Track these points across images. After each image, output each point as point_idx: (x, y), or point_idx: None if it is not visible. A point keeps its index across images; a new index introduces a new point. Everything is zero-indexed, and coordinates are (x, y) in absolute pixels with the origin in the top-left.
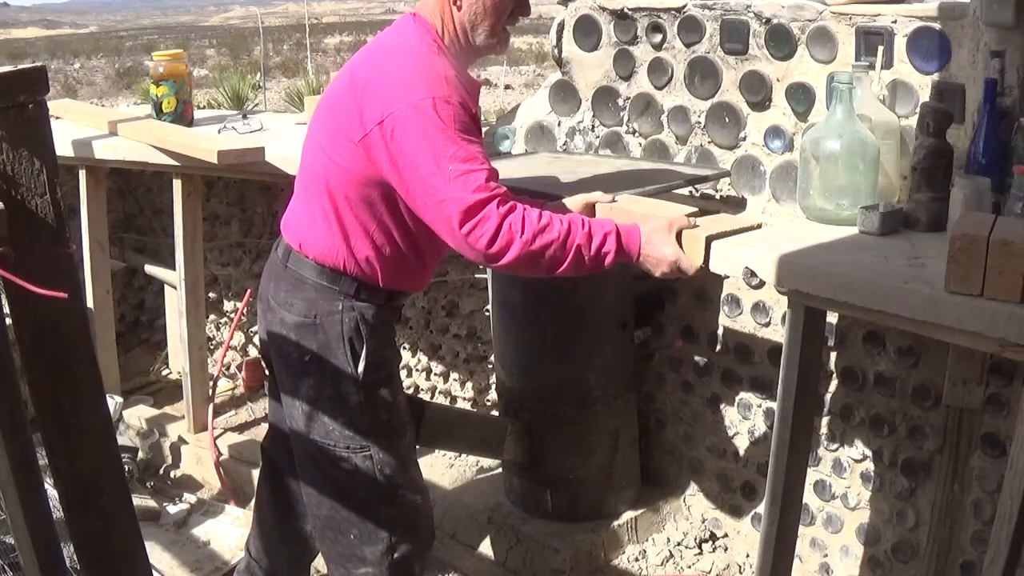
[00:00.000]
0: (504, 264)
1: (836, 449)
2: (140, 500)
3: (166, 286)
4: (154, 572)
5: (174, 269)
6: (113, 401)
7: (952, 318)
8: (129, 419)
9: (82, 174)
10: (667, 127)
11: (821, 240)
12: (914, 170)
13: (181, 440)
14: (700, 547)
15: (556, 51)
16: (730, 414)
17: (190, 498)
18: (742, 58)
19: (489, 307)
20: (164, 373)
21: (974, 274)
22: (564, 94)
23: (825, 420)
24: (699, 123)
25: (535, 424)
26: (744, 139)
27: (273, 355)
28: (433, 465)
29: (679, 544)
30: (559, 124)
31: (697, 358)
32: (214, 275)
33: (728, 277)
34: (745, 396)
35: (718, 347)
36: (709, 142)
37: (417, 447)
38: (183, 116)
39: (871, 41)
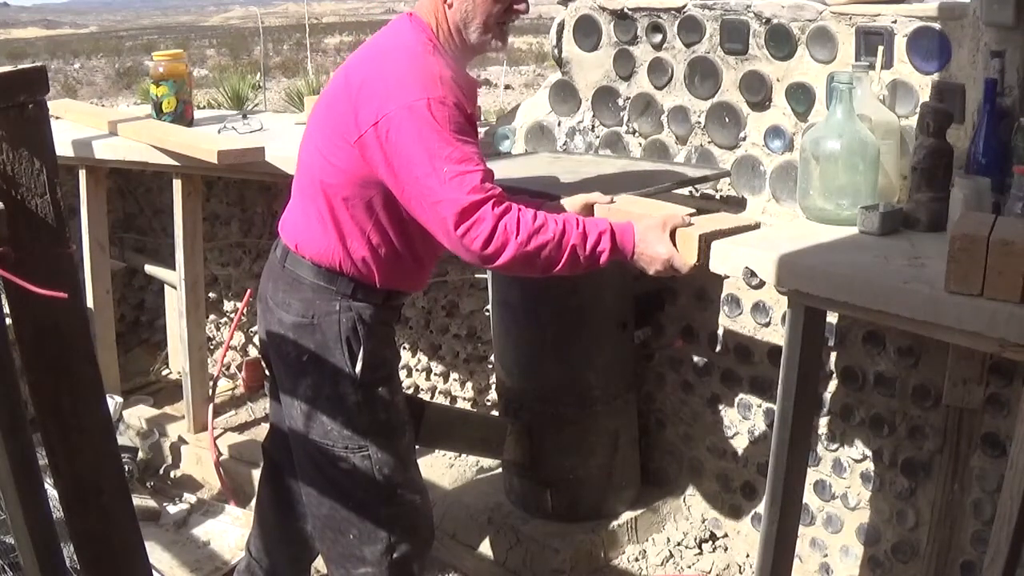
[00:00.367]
0: (500, 265)
1: (836, 449)
2: (140, 500)
3: (166, 286)
4: (154, 572)
5: (174, 269)
6: (113, 401)
7: (952, 318)
8: (129, 419)
9: (82, 174)
10: (667, 127)
11: (821, 240)
12: (914, 170)
13: (181, 440)
14: (700, 547)
15: (556, 51)
16: (730, 414)
17: (190, 498)
18: (742, 58)
19: (489, 307)
20: (164, 373)
21: (974, 274)
22: (564, 94)
23: (825, 420)
24: (699, 123)
25: (535, 424)
26: (744, 139)
27: (272, 355)
28: (433, 465)
29: (679, 544)
30: (559, 124)
31: (697, 358)
32: (214, 275)
33: (728, 277)
34: (745, 396)
35: (718, 347)
36: (709, 142)
37: (417, 447)
38: (183, 116)
39: (871, 41)
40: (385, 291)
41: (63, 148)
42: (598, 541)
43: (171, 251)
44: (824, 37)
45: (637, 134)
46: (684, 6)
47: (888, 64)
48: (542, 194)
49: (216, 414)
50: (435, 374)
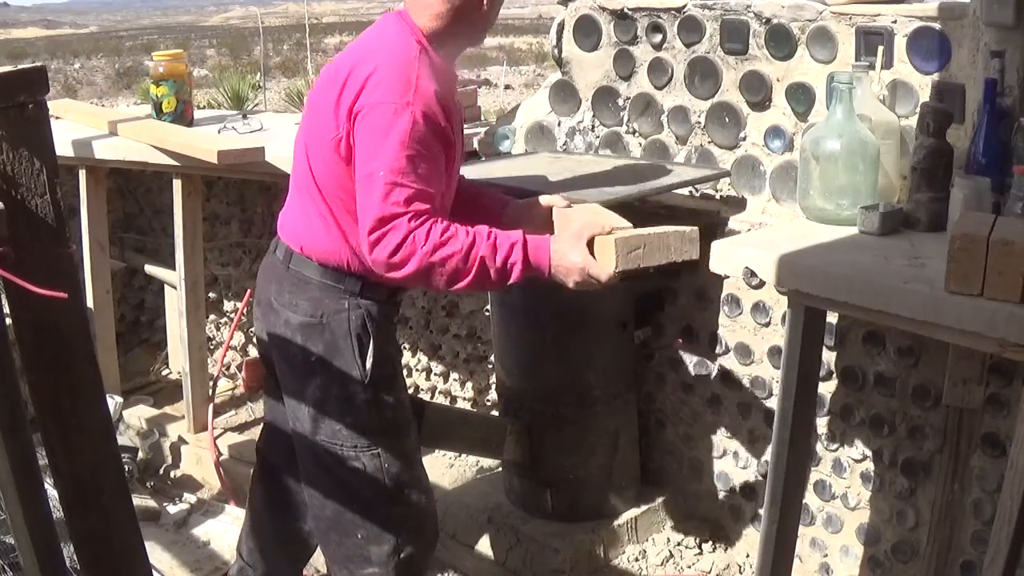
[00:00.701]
0: (405, 276)
1: (836, 449)
2: (140, 500)
3: (166, 286)
4: (154, 572)
5: (174, 269)
6: (113, 401)
7: (952, 318)
8: (129, 419)
9: (82, 174)
10: (667, 127)
11: (821, 240)
12: (914, 170)
13: (181, 440)
14: (700, 547)
15: (556, 51)
16: (730, 414)
17: (190, 498)
18: (742, 58)
19: (489, 307)
20: (164, 373)
21: (974, 274)
22: (564, 94)
23: (825, 420)
24: (699, 123)
25: (535, 424)
26: (744, 139)
27: (276, 357)
28: (433, 465)
29: (679, 544)
30: (559, 124)
31: (697, 358)
32: (214, 275)
33: (728, 277)
34: (745, 396)
35: (718, 347)
36: (709, 142)
37: None
38: (183, 116)
39: (871, 41)
40: (390, 287)
41: (63, 148)
42: (598, 541)
43: (171, 251)
44: (824, 37)
45: (637, 134)
46: (684, 6)
47: (888, 64)
48: (520, 190)
49: (216, 414)
50: (435, 374)
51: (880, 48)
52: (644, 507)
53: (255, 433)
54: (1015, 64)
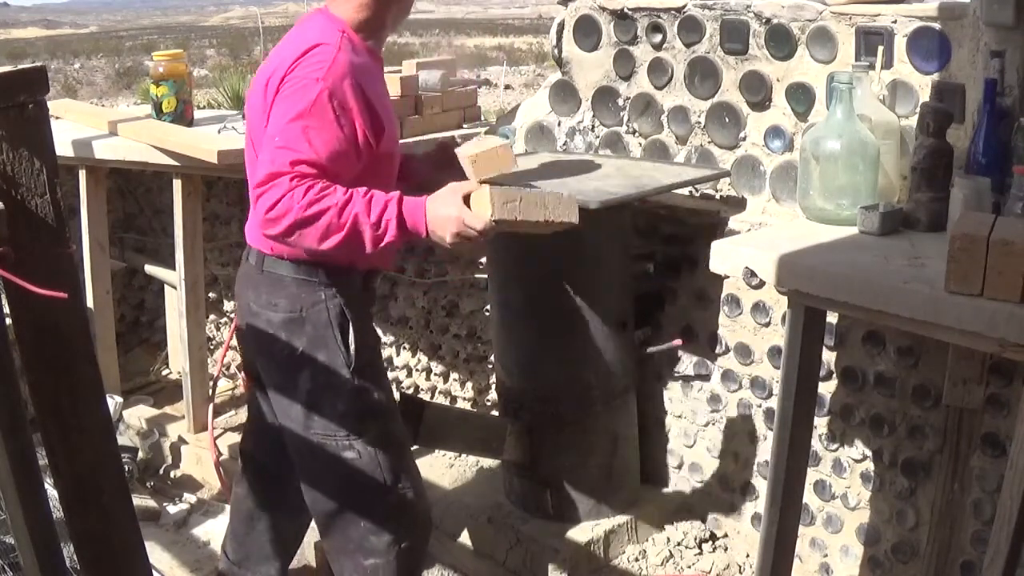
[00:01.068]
0: (281, 231)
1: (836, 449)
2: (140, 500)
3: (166, 286)
4: (154, 572)
5: (174, 269)
6: (113, 401)
7: (952, 318)
8: (129, 419)
9: (82, 174)
10: (667, 127)
11: (821, 240)
12: (914, 170)
13: (181, 440)
14: (700, 547)
15: (556, 51)
16: (730, 414)
17: (190, 498)
18: (742, 58)
19: (489, 307)
20: (164, 373)
21: (974, 274)
22: (564, 94)
23: (825, 420)
24: (699, 123)
25: (535, 424)
26: (744, 139)
27: (262, 360)
28: (433, 465)
29: (679, 544)
30: (559, 124)
31: (697, 358)
32: (214, 275)
33: (728, 277)
34: (745, 396)
35: (718, 347)
36: (709, 142)
37: (417, 447)
38: (183, 116)
39: (871, 41)
40: (362, 272)
41: (63, 148)
42: (598, 541)
43: (171, 251)
44: (824, 37)
45: (637, 134)
46: (684, 6)
47: (888, 64)
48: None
49: (216, 414)
50: (435, 374)
51: (880, 48)
52: (644, 507)
53: None
54: (1015, 64)
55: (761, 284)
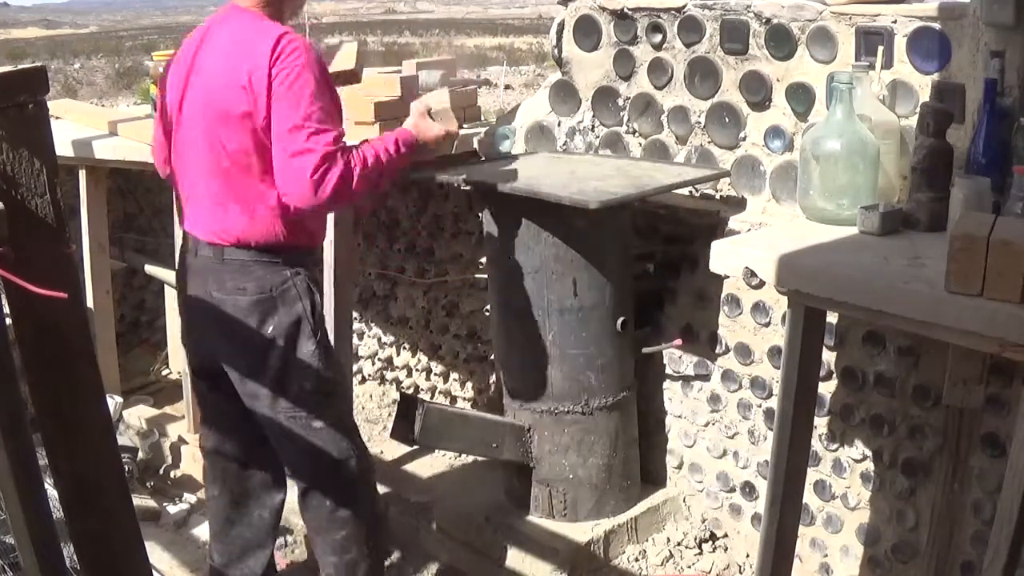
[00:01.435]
0: (353, 194)
1: (836, 449)
2: (140, 500)
3: (166, 286)
4: (154, 572)
5: (174, 269)
6: (113, 401)
7: (952, 318)
8: (129, 419)
9: (82, 174)
10: (667, 127)
11: (821, 240)
12: (914, 170)
13: (181, 440)
14: (700, 547)
15: (556, 51)
16: (730, 414)
17: (190, 498)
18: (742, 58)
19: (489, 307)
20: (164, 373)
21: (974, 274)
22: (564, 94)
23: (825, 420)
24: (699, 123)
25: (535, 424)
26: (744, 139)
27: (229, 346)
28: (433, 465)
29: (679, 544)
30: (559, 124)
31: (697, 358)
32: None
33: (728, 277)
34: (745, 396)
35: (718, 347)
36: (709, 142)
37: (417, 447)
38: None
39: (871, 41)
40: (310, 248)
41: (63, 148)
42: (598, 541)
43: (171, 251)
44: (824, 37)
45: (637, 134)
46: (684, 6)
47: (888, 64)
48: None
49: None
50: (435, 374)
51: (880, 48)
52: (644, 507)
53: None
54: (1015, 64)
55: (761, 284)
